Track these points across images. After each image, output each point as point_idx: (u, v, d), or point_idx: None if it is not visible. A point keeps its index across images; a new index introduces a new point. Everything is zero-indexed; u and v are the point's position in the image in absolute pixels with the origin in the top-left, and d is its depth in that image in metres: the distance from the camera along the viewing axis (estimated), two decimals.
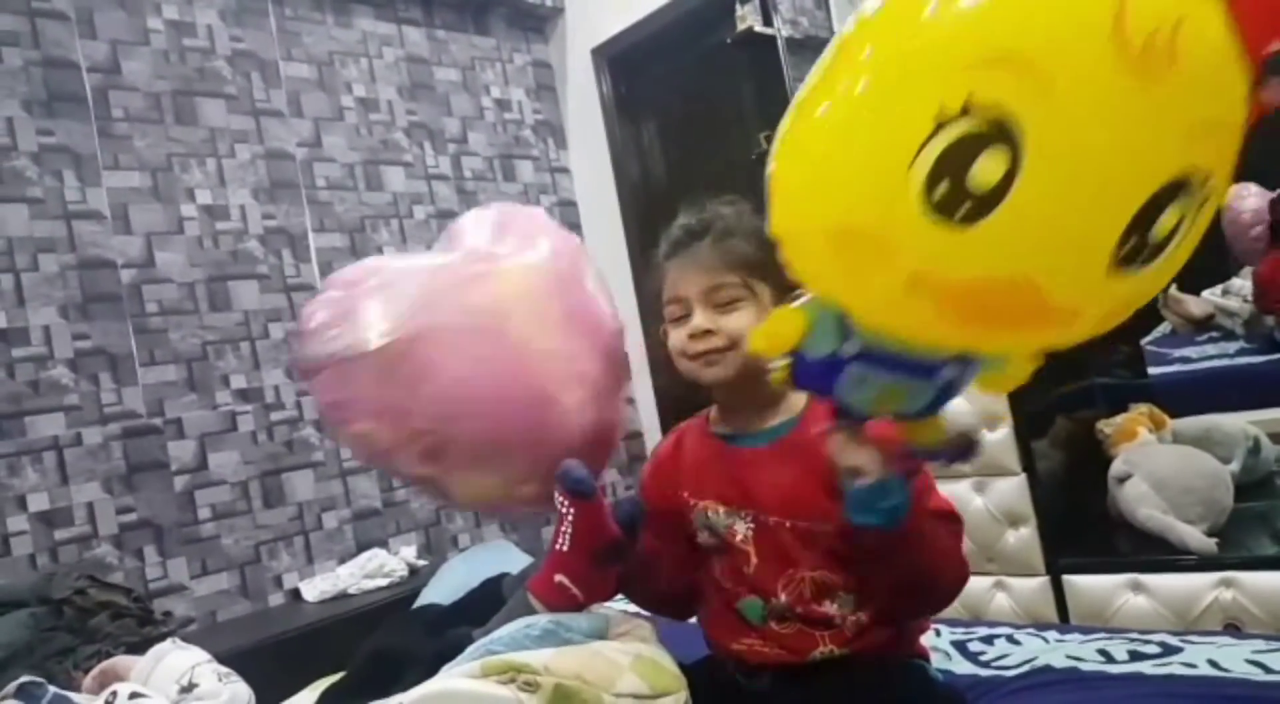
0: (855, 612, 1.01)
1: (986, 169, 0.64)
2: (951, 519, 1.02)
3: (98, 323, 2.59)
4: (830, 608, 1.01)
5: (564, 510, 0.88)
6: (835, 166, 0.72)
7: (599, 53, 3.70)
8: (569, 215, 3.88)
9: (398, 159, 3.34)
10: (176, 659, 1.18)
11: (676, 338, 1.05)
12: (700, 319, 1.02)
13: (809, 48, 3.14)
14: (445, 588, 2.10)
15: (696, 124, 3.47)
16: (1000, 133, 0.63)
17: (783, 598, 1.01)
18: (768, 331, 0.84)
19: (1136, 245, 0.66)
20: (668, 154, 3.69)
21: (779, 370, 0.87)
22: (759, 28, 3.00)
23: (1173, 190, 0.65)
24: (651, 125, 3.73)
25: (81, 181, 2.60)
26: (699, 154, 3.45)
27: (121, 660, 1.23)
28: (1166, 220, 0.65)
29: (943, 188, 0.65)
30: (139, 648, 1.37)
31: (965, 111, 0.64)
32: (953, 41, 0.66)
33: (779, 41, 3.01)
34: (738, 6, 3.06)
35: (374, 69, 3.33)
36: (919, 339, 0.77)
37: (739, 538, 1.04)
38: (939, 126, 0.65)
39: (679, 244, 1.08)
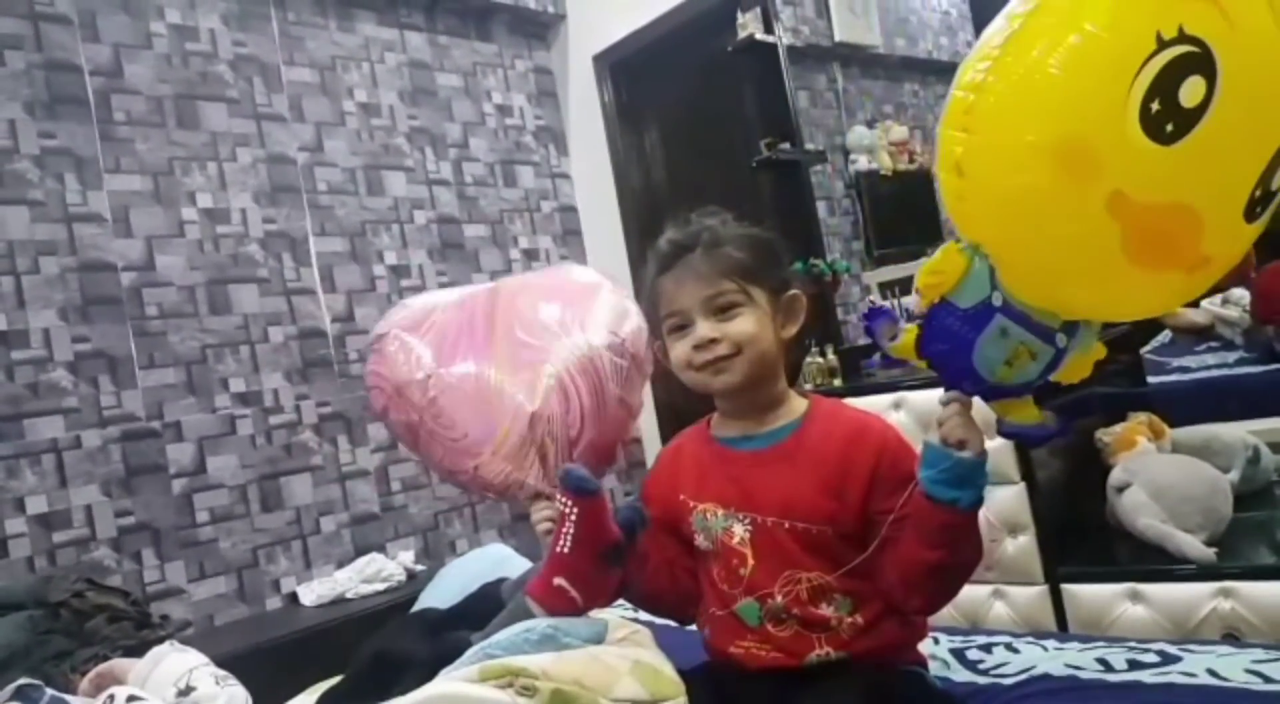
0: (852, 615, 1.01)
1: (1191, 90, 0.73)
2: None
3: (97, 326, 2.59)
4: (827, 610, 1.01)
5: (567, 510, 0.88)
6: (1064, 83, 0.78)
7: (600, 59, 3.71)
8: (569, 221, 3.88)
9: (399, 164, 3.35)
10: (174, 662, 1.18)
11: (681, 350, 1.05)
12: (704, 328, 1.02)
13: (810, 56, 3.15)
14: (444, 591, 2.09)
15: (698, 131, 3.48)
16: (1204, 59, 0.73)
17: (779, 599, 1.01)
18: (935, 266, 0.89)
19: (1262, 195, 0.75)
20: (669, 160, 3.70)
21: (906, 333, 0.92)
22: (760, 35, 3.01)
23: None
24: (653, 132, 3.74)
25: (83, 184, 2.61)
26: (700, 161, 3.46)
27: (119, 663, 1.23)
28: None
29: (1156, 104, 0.73)
30: (136, 651, 1.36)
31: (1179, 38, 0.73)
32: None
33: (780, 49, 3.02)
34: (739, 14, 3.07)
35: (376, 74, 3.33)
36: (1088, 275, 0.82)
37: (736, 540, 1.04)
38: (1157, 50, 0.73)
39: (670, 258, 1.08)
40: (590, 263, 3.86)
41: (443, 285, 3.37)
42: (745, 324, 1.02)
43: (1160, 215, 0.76)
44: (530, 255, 3.71)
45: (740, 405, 1.09)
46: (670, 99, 3.61)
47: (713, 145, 3.35)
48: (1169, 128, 0.74)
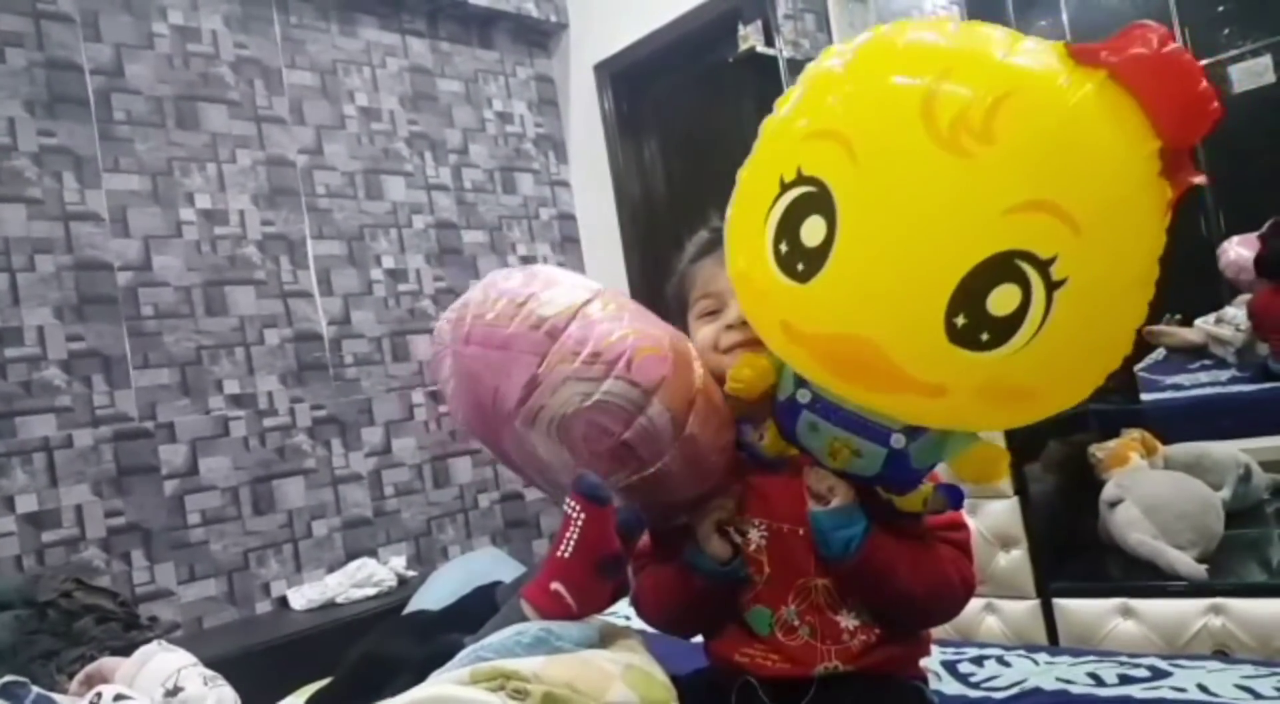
0: (866, 626, 1.01)
1: (811, 229, 0.73)
2: (955, 540, 1.03)
3: (92, 325, 2.58)
4: (843, 618, 1.01)
5: (574, 515, 0.87)
6: (734, 224, 0.85)
7: (601, 69, 3.73)
8: (568, 229, 3.89)
9: (398, 168, 3.35)
10: (162, 662, 1.17)
11: (708, 332, 1.05)
12: (738, 311, 1.02)
13: None
14: (437, 594, 2.09)
15: (697, 142, 3.49)
16: (822, 198, 0.72)
17: (793, 606, 1.01)
18: (736, 373, 0.92)
19: (973, 322, 0.67)
20: (668, 170, 3.71)
21: (769, 431, 0.96)
22: (761, 48, 3.03)
23: (998, 268, 0.66)
24: (652, 142, 3.75)
25: (81, 183, 2.61)
26: (699, 171, 3.47)
27: (106, 662, 1.22)
28: (1001, 298, 0.67)
29: (784, 245, 0.75)
30: (124, 652, 1.35)
31: (797, 180, 0.74)
32: (796, 117, 0.76)
33: (780, 62, 3.03)
34: (740, 26, 3.08)
35: (377, 78, 3.34)
36: (824, 387, 0.85)
37: (752, 547, 1.03)
38: (781, 192, 0.75)
39: (711, 244, 1.08)
40: (588, 271, 3.87)
41: (440, 291, 3.37)
42: None
43: (833, 344, 0.76)
44: (528, 262, 3.71)
45: (756, 403, 1.08)
46: (670, 109, 3.62)
47: (712, 156, 3.36)
48: (800, 267, 0.74)
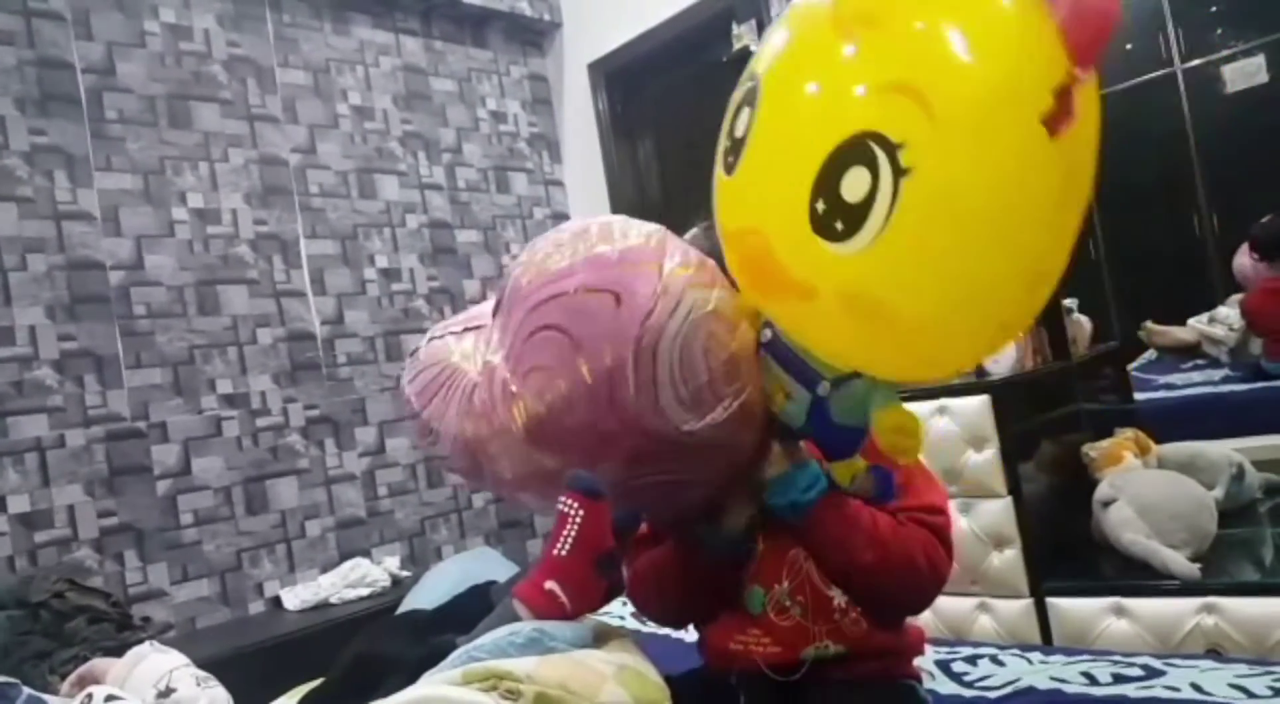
0: (856, 605, 1.01)
1: (740, 121, 0.77)
2: (931, 524, 1.02)
3: (84, 324, 2.57)
4: (836, 594, 1.01)
5: (571, 513, 0.87)
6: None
7: (596, 68, 3.72)
8: None
9: (392, 168, 3.34)
10: (154, 662, 1.17)
11: None
12: None
13: None
14: (431, 593, 2.08)
15: (691, 141, 3.49)
16: (752, 90, 0.76)
17: (786, 584, 1.01)
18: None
19: (830, 208, 0.68)
20: (662, 170, 3.71)
21: None
22: (755, 48, 3.02)
23: (852, 150, 0.66)
24: (647, 141, 3.75)
25: (73, 182, 2.59)
26: (694, 171, 3.45)
27: (99, 663, 1.21)
28: (852, 182, 0.67)
29: (724, 142, 0.80)
30: (117, 653, 1.35)
31: (747, 78, 0.78)
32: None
33: None
34: (734, 26, 3.08)
35: (370, 77, 3.33)
36: (752, 302, 0.88)
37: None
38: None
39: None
40: None
41: (433, 291, 3.37)
42: None
43: (740, 240, 0.80)
44: None
45: None
46: (664, 109, 3.62)
47: (706, 156, 3.34)
48: (730, 159, 0.79)
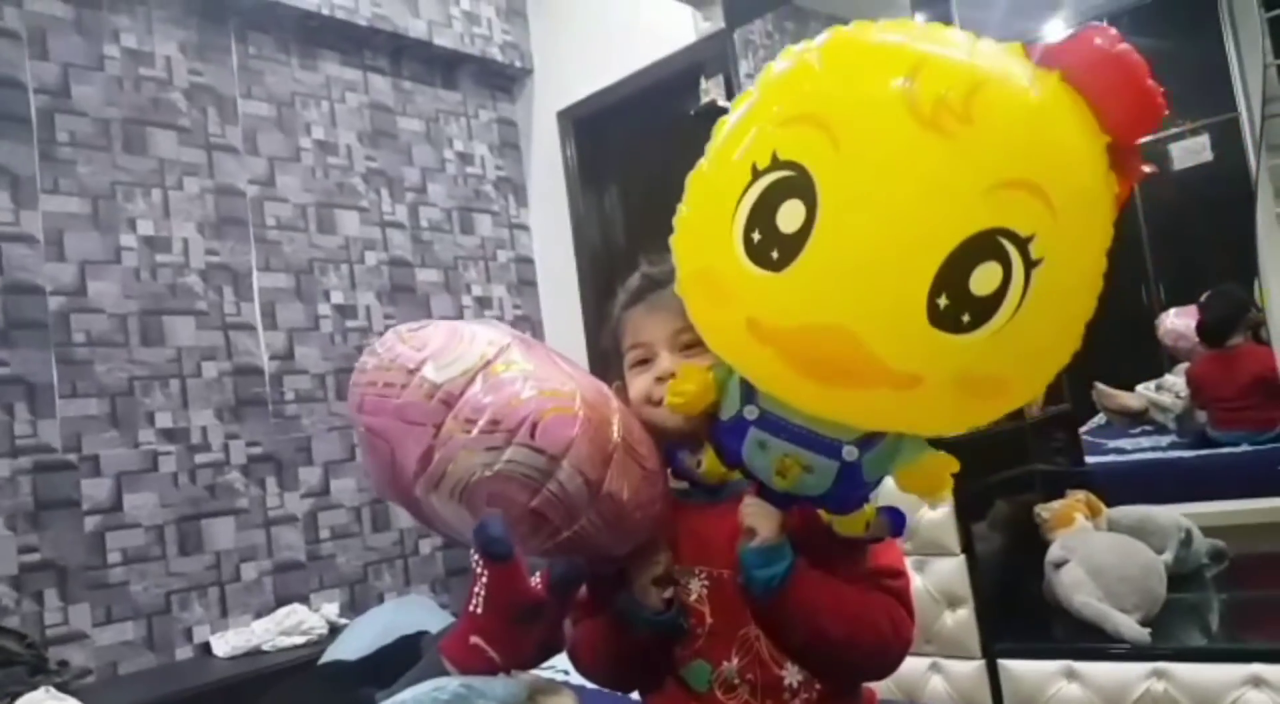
0: (808, 684, 0.97)
1: (789, 214, 0.72)
2: (892, 588, 0.99)
3: (18, 350, 2.47)
4: (787, 674, 0.96)
5: (478, 570, 0.83)
6: (694, 220, 0.83)
7: (565, 115, 3.75)
8: (526, 272, 3.87)
9: (353, 203, 3.31)
10: None
11: (641, 384, 1.02)
12: (667, 362, 1.00)
13: None
14: (358, 642, 1.99)
15: (658, 192, 3.49)
16: (801, 183, 0.71)
17: (735, 662, 0.97)
18: (677, 387, 0.90)
19: (955, 302, 0.68)
20: (628, 218, 3.72)
21: (707, 456, 0.92)
22: (722, 102, 3.07)
23: (981, 246, 0.67)
24: (613, 189, 3.76)
25: (16, 204, 2.52)
26: (659, 221, 3.44)
27: None
28: (983, 277, 0.68)
29: (757, 234, 0.74)
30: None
31: (772, 165, 0.73)
32: (768, 103, 0.76)
33: None
34: (702, 80, 3.13)
35: (335, 113, 3.31)
36: (783, 394, 0.82)
37: (693, 597, 0.99)
38: (754, 179, 0.74)
39: (642, 291, 1.07)
40: (545, 315, 3.84)
41: (389, 328, 3.31)
42: (709, 362, 0.99)
43: (806, 336, 0.74)
44: (483, 303, 3.67)
45: (695, 450, 1.05)
46: (632, 158, 3.64)
47: (672, 207, 3.36)
48: (774, 254, 0.73)
